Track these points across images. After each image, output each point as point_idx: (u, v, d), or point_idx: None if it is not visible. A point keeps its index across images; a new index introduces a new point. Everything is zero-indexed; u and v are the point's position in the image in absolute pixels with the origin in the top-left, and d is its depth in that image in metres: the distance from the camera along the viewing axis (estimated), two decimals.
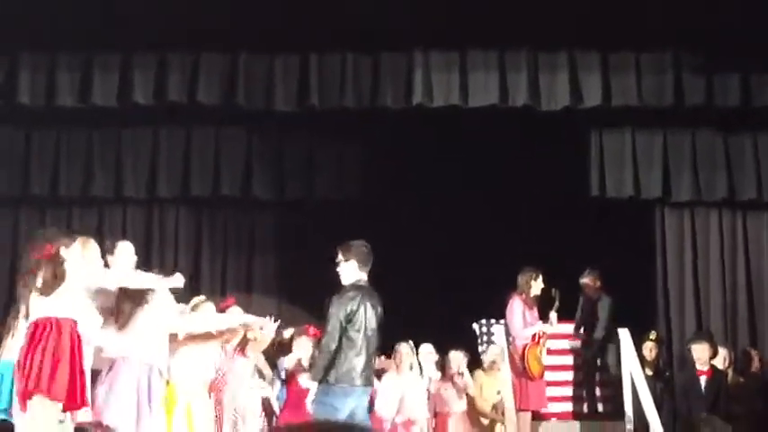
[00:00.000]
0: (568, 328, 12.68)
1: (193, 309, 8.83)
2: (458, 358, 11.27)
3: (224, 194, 13.28)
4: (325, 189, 13.35)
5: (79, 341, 7.16)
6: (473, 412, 11.36)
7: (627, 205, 13.00)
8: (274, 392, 10.02)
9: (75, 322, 7.17)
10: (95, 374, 7.75)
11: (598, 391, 12.76)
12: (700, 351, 11.55)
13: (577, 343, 12.92)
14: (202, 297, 9.11)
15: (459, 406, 11.22)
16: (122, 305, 7.80)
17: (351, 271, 8.55)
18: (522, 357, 10.81)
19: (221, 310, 9.33)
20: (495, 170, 13.14)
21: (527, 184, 13.16)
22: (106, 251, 8.33)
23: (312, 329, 10.10)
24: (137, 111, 12.56)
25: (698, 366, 11.49)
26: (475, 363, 11.84)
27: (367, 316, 8.40)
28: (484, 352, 12.09)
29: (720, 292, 13.26)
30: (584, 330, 12.72)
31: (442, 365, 11.37)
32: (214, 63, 12.39)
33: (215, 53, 12.37)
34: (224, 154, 13.27)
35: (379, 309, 8.50)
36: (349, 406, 8.12)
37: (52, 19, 11.78)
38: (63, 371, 6.98)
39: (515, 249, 12.08)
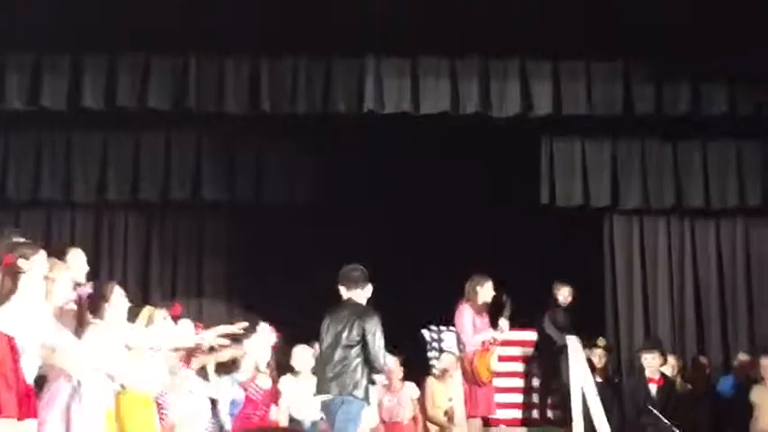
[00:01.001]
0: (519, 335, 12.71)
1: (148, 320, 8.75)
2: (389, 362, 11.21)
3: (174, 198, 13.22)
4: (276, 194, 13.31)
5: (14, 354, 6.98)
6: (423, 419, 11.34)
7: (576, 213, 13.07)
8: (227, 398, 9.97)
9: (10, 338, 6.99)
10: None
11: (548, 399, 12.81)
12: (650, 359, 11.62)
13: (530, 349, 12.96)
14: (151, 308, 9.01)
15: (406, 414, 11.18)
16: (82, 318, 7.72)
17: (341, 292, 8.82)
18: (472, 364, 10.82)
19: (172, 318, 9.27)
20: (445, 177, 13.16)
21: (477, 191, 13.19)
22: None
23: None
24: (86, 114, 12.47)
25: (648, 374, 11.56)
26: (425, 370, 11.83)
27: (324, 332, 8.64)
28: (434, 358, 12.10)
29: (668, 299, 13.38)
30: (547, 339, 12.66)
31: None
32: (164, 67, 12.33)
33: (165, 57, 12.31)
34: (174, 158, 13.20)
35: (341, 326, 8.54)
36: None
37: (0, 21, 11.66)
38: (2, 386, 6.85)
39: (465, 256, 12.09)
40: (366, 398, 8.53)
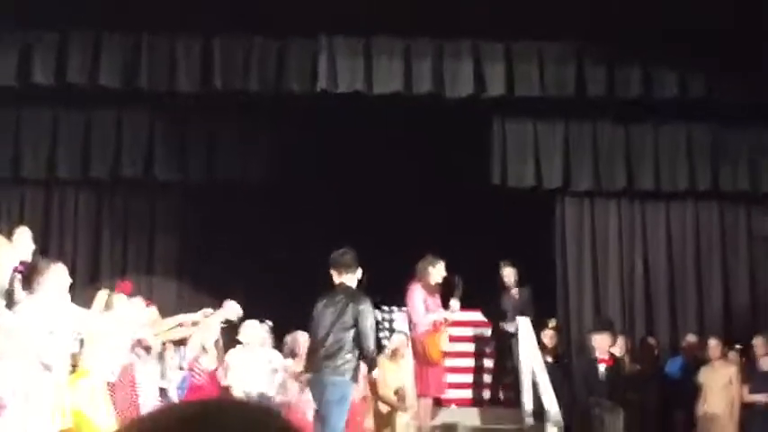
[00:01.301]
0: (471, 315, 12.76)
1: (106, 305, 8.71)
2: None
3: (125, 176, 13.14)
4: (229, 172, 13.25)
5: None
6: (374, 398, 11.36)
7: (528, 194, 13.13)
8: (174, 382, 9.96)
9: None
10: None
11: (500, 379, 12.88)
12: (600, 340, 11.70)
13: (481, 330, 13.02)
14: (106, 291, 8.96)
15: (357, 393, 11.18)
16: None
17: (333, 277, 9.07)
18: (423, 344, 10.85)
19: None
20: (398, 157, 13.17)
21: (430, 171, 13.22)
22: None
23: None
24: (36, 91, 12.36)
25: (598, 354, 11.65)
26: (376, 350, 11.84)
27: (317, 315, 8.88)
28: (386, 338, 12.12)
29: (618, 280, 13.47)
30: (500, 320, 12.75)
31: None
32: (116, 44, 12.23)
33: (117, 34, 12.22)
34: (125, 136, 13.11)
35: (335, 310, 8.78)
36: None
37: None
38: None
39: (417, 236, 12.11)
40: (354, 378, 8.79)
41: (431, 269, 10.96)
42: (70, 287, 7.95)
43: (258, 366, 10.34)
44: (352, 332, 8.69)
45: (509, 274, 12.65)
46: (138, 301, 9.42)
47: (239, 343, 10.46)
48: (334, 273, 9.01)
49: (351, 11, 11.75)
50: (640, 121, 13.25)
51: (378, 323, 12.80)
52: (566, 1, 11.73)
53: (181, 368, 10.26)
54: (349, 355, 8.68)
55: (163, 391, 9.80)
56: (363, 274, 8.96)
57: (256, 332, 10.50)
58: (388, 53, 12.20)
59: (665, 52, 12.44)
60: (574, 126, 13.21)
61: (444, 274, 11.01)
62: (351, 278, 9.01)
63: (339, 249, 9.15)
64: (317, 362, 8.78)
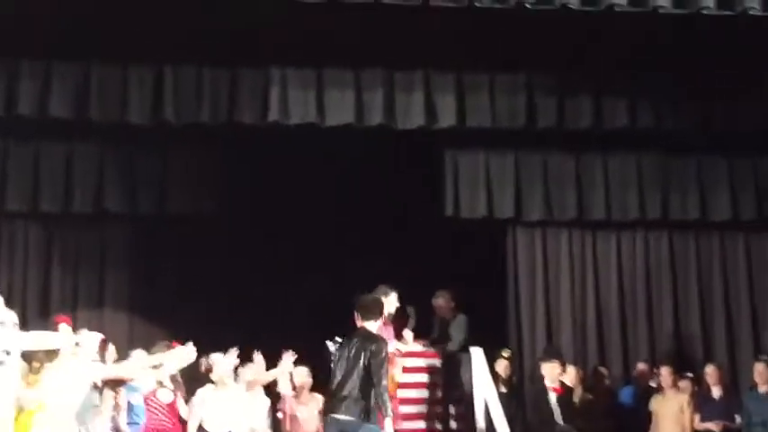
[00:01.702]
0: (423, 346, 12.71)
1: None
2: (302, 374, 11.22)
3: (75, 210, 13.02)
4: (180, 204, 13.19)
5: None
6: None
7: (480, 225, 13.17)
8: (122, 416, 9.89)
9: None
10: None
11: (452, 409, 12.83)
12: (549, 368, 11.72)
13: (434, 361, 12.98)
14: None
15: (312, 424, 11.15)
16: None
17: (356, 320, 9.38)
18: None
19: (54, 327, 9.20)
20: (351, 189, 13.18)
21: (383, 203, 13.22)
22: None
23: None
24: None
25: (548, 383, 11.66)
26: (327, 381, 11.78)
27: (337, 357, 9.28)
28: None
29: (570, 309, 13.54)
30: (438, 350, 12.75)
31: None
32: (66, 75, 12.14)
33: (67, 64, 12.12)
34: (76, 168, 13.00)
35: (348, 352, 9.13)
36: None
37: None
38: None
39: (371, 268, 12.10)
40: (367, 419, 8.95)
41: (384, 300, 10.94)
42: (21, 322, 7.87)
43: (235, 405, 10.33)
44: (363, 375, 8.96)
45: (445, 301, 12.59)
46: (93, 335, 9.35)
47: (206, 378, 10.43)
48: (357, 315, 9.32)
49: (302, 42, 11.75)
50: (591, 150, 13.35)
51: (331, 355, 12.75)
52: (516, 32, 11.79)
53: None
54: (360, 397, 8.92)
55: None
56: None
57: (227, 366, 10.47)
58: (339, 84, 12.20)
59: (614, 82, 12.54)
60: (525, 156, 13.29)
61: (397, 304, 10.99)
62: (372, 324, 9.29)
63: (367, 295, 9.59)
64: (333, 404, 9.06)
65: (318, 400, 11.08)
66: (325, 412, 9.34)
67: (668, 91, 12.55)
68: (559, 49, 12.06)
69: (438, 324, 12.59)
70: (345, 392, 8.96)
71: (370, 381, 8.94)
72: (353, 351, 9.06)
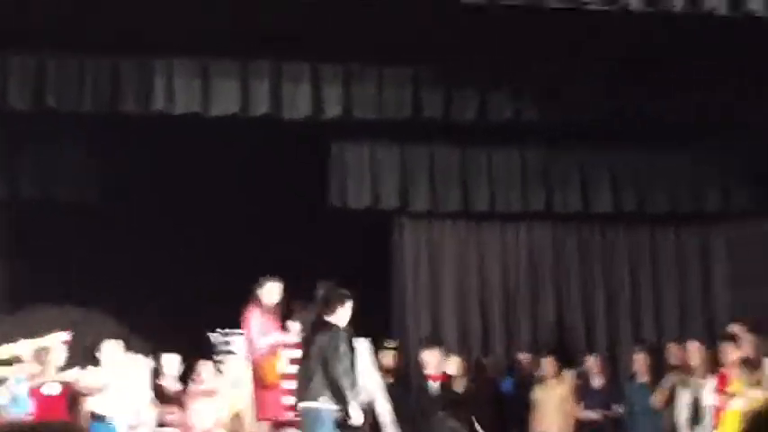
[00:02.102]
0: None
1: None
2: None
3: None
4: (63, 194, 12.99)
5: None
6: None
7: (365, 215, 13.21)
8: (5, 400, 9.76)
9: None
10: None
11: None
12: (429, 356, 11.79)
13: None
14: None
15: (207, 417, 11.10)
16: None
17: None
18: (260, 367, 10.80)
19: None
20: (237, 179, 13.10)
21: (269, 193, 13.16)
22: None
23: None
24: None
25: (428, 371, 11.73)
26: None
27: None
28: (221, 362, 11.99)
29: (454, 300, 13.65)
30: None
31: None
32: None
33: None
34: None
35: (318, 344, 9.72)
36: None
37: None
38: None
39: (256, 259, 12.06)
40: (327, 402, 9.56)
41: (265, 291, 10.95)
42: None
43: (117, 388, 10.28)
44: (320, 362, 9.54)
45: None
46: None
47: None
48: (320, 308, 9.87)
49: (188, 31, 11.63)
50: (476, 143, 13.47)
51: (214, 347, 12.69)
52: (403, 25, 11.81)
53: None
54: (320, 382, 9.55)
55: None
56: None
57: (115, 352, 10.40)
58: (225, 74, 12.10)
59: (499, 76, 12.65)
60: (410, 148, 13.36)
61: (277, 295, 10.97)
62: (332, 317, 9.79)
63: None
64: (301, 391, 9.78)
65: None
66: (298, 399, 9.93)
67: (552, 85, 12.69)
68: (446, 41, 12.12)
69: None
70: (304, 380, 9.75)
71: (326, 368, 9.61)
72: (320, 342, 9.67)
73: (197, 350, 11.70)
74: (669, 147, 13.63)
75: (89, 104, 12.03)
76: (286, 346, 11.14)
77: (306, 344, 9.93)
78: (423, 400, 11.65)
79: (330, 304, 9.79)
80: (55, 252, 13.19)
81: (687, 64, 12.22)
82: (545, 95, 12.74)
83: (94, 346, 10.57)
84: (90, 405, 10.31)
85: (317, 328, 9.78)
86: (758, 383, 10.24)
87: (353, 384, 9.72)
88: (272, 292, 10.95)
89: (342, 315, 9.81)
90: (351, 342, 9.83)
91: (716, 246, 14.41)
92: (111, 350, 10.66)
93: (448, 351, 12.32)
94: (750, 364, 10.42)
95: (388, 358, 12.39)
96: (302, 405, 9.77)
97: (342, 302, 9.83)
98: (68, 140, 12.94)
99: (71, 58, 12.01)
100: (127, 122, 12.26)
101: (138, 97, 12.02)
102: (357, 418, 9.66)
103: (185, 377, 11.62)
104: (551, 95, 12.69)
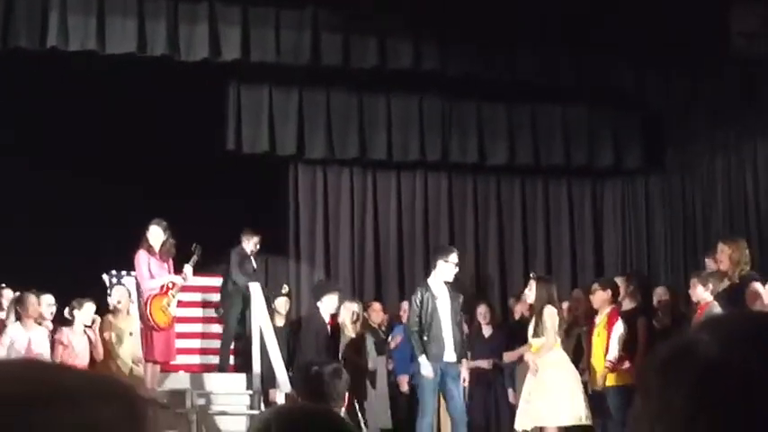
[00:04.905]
0: (203, 281, 12.65)
1: None
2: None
3: None
4: None
5: None
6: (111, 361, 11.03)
7: (262, 160, 13.15)
8: None
9: None
10: None
11: (231, 345, 12.82)
12: (328, 302, 11.77)
13: (211, 295, 12.94)
14: None
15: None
16: None
17: None
18: (148, 308, 10.75)
19: None
20: (132, 120, 12.91)
21: (164, 136, 13.00)
22: None
23: None
24: None
25: (323, 316, 11.72)
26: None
27: None
28: (110, 296, 11.80)
29: (349, 248, 13.68)
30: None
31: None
32: None
33: None
34: None
35: None
36: None
37: None
38: None
39: (151, 202, 11.93)
40: None
41: (148, 234, 10.90)
42: None
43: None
44: None
45: (255, 240, 12.44)
46: None
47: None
48: None
49: None
50: (374, 90, 13.45)
51: (107, 288, 12.55)
52: None
53: None
54: None
55: None
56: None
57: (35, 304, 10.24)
58: (122, 12, 11.87)
59: (400, 23, 12.60)
60: (308, 94, 13.29)
61: (162, 237, 10.90)
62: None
63: None
64: None
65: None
66: None
67: (452, 35, 12.69)
68: None
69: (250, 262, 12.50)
70: None
71: None
72: None
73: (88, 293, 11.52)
74: (566, 103, 13.80)
75: None
76: (178, 288, 11.07)
77: None
78: (319, 347, 11.66)
79: None
80: None
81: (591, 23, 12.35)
82: (446, 44, 12.74)
83: None
84: None
85: None
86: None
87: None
88: (155, 233, 10.89)
89: None
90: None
91: (606, 199, 14.70)
92: None
93: (342, 298, 12.34)
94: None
95: (281, 303, 12.40)
96: None
97: None
98: None
99: None
100: (20, 58, 12.01)
101: (31, 33, 11.75)
102: None
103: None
104: (452, 45, 12.71)
